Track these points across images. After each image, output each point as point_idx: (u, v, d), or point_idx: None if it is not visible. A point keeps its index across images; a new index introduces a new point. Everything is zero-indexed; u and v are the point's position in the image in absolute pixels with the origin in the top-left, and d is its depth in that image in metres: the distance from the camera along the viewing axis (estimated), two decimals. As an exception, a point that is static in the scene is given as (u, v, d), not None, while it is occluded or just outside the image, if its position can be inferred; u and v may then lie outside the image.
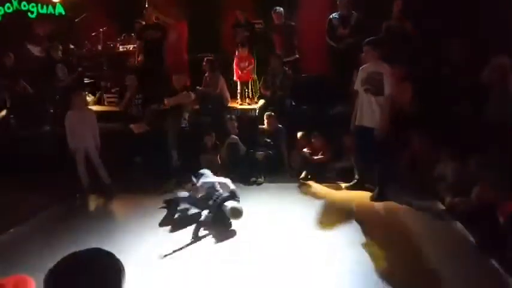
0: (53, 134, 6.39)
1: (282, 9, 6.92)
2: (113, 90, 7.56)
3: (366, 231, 4.14)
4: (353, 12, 6.43)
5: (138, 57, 7.16)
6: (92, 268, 1.11)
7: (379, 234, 4.07)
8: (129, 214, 4.96)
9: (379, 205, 4.76)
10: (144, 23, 7.15)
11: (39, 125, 6.72)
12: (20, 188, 5.49)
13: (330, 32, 6.57)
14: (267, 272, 3.40)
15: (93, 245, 1.25)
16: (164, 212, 4.69)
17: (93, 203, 5.41)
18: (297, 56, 7.03)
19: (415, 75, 5.67)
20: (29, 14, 8.07)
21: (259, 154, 5.78)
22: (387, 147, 4.73)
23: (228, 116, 6.27)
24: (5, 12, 7.98)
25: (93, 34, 7.93)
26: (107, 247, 1.20)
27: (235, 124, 6.09)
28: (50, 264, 1.13)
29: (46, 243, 3.97)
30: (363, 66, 4.92)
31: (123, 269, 1.16)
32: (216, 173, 5.15)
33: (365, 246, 3.82)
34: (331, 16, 6.56)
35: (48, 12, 8.13)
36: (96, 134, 5.59)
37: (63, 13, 8.12)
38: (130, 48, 7.73)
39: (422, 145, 5.18)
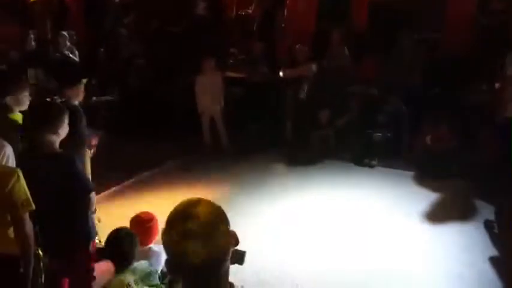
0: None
1: None
2: (239, 57, 7.85)
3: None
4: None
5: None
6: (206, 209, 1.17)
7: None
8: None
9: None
10: None
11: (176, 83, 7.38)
12: (152, 139, 6.22)
13: (481, 6, 5.71)
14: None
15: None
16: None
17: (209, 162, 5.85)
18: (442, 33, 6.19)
19: None
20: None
21: (377, 135, 5.45)
22: None
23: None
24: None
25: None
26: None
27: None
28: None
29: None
30: None
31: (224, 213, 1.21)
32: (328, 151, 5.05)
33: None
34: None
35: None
36: (221, 97, 5.94)
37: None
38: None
39: None
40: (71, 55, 7.46)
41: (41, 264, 2.28)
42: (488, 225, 3.93)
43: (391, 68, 6.09)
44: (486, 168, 4.62)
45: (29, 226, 2.13)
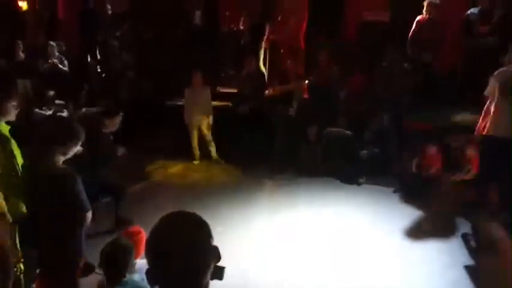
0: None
1: (437, 1, 6.09)
2: (231, 72, 7.94)
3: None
4: (496, 8, 5.65)
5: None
6: (188, 223, 1.21)
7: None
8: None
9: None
10: None
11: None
12: (143, 150, 6.21)
13: (465, 29, 5.90)
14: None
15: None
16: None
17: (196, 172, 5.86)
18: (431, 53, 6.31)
19: None
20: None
21: (363, 153, 5.54)
22: None
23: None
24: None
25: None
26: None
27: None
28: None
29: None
30: (500, 70, 4.22)
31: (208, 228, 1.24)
32: (316, 166, 5.11)
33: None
34: (468, 12, 5.88)
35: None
36: (210, 112, 5.99)
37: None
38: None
39: None
40: (59, 65, 7.46)
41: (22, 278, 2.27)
42: (465, 239, 4.02)
43: (379, 85, 6.23)
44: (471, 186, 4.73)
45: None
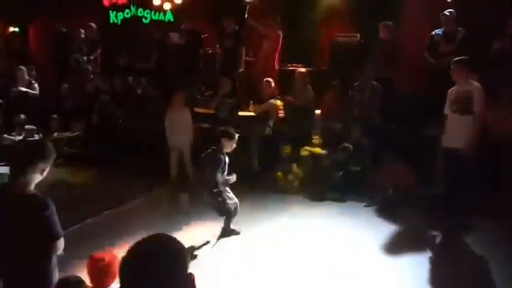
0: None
1: (391, 23, 6.57)
2: (206, 94, 7.98)
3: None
4: (459, 28, 5.96)
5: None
6: (161, 250, 1.20)
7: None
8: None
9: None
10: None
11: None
12: (118, 175, 6.08)
13: (430, 49, 6.18)
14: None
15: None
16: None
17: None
18: (394, 73, 6.59)
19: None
20: (143, 19, 8.96)
21: (339, 175, 5.60)
22: (473, 171, 4.47)
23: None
24: (124, 17, 8.98)
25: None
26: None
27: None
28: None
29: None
30: (451, 89, 4.81)
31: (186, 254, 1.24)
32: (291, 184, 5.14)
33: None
34: (433, 32, 6.16)
35: (160, 19, 8.93)
36: (191, 132, 5.98)
37: (172, 20, 8.84)
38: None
39: None
40: (29, 90, 7.33)
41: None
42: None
43: (351, 103, 6.40)
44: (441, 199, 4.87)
45: None
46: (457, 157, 4.50)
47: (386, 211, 5.04)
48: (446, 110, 4.81)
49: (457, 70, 4.65)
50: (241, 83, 7.30)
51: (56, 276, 2.40)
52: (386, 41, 6.55)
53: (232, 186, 4.36)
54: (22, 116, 6.97)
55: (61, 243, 2.32)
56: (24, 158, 2.30)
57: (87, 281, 2.45)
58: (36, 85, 7.46)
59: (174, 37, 7.84)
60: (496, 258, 3.87)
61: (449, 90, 4.82)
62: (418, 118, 6.06)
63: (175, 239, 1.27)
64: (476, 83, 4.62)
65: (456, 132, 4.60)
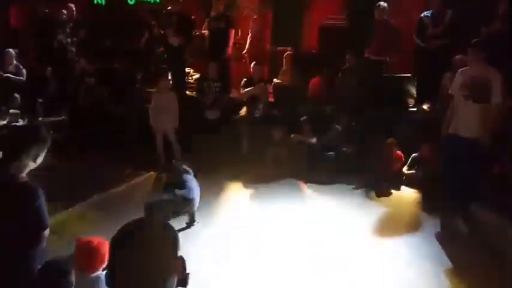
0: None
1: (386, 4, 6.36)
2: (193, 77, 7.89)
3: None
4: (448, 10, 5.94)
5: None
6: (149, 233, 1.19)
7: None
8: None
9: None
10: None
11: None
12: (105, 160, 6.01)
13: (419, 31, 6.16)
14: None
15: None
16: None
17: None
18: (388, 57, 6.50)
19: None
20: (128, 0, 8.75)
21: (330, 154, 5.63)
22: (483, 162, 4.27)
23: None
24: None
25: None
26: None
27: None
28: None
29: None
30: (463, 68, 4.38)
31: (177, 237, 1.22)
32: (281, 168, 5.14)
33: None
34: (422, 14, 6.14)
35: (145, 0, 8.73)
36: (176, 116, 5.87)
37: (158, 1, 8.65)
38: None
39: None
40: (12, 76, 7.14)
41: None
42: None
43: (340, 87, 6.39)
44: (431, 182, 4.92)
45: None
46: (466, 146, 4.17)
47: (375, 193, 5.10)
48: (454, 90, 4.36)
49: (474, 52, 4.19)
50: (229, 66, 7.20)
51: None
52: (379, 22, 6.42)
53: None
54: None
55: (46, 233, 2.26)
56: (17, 143, 2.21)
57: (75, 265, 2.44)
58: (24, 70, 7.27)
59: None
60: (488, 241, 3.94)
61: (461, 70, 4.36)
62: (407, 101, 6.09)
63: (167, 222, 1.27)
64: (495, 70, 4.11)
65: (466, 120, 4.20)
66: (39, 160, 2.25)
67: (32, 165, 2.22)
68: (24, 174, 2.20)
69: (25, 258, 2.23)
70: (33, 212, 2.14)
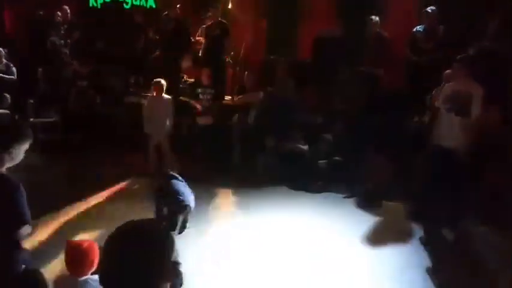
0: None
1: (377, 18, 6.52)
2: (188, 82, 7.87)
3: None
4: (440, 25, 6.07)
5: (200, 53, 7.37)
6: (144, 236, 1.18)
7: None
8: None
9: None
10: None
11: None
12: (93, 162, 5.96)
13: (412, 45, 6.27)
14: None
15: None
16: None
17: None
18: (380, 69, 6.56)
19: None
20: (124, 4, 8.73)
21: (322, 163, 5.65)
22: (466, 173, 4.35)
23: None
24: (104, 1, 8.72)
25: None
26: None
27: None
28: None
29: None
30: (449, 83, 4.59)
31: (173, 241, 1.22)
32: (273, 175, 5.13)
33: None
34: (414, 29, 6.26)
35: (141, 4, 8.72)
36: (171, 121, 5.84)
37: (154, 6, 8.65)
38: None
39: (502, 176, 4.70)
40: (2, 75, 7.06)
41: None
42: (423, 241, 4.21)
43: (333, 97, 6.44)
44: (420, 193, 4.96)
45: None
46: (447, 156, 4.31)
47: (366, 203, 5.12)
48: (440, 104, 4.56)
49: (459, 67, 4.40)
50: (225, 73, 7.21)
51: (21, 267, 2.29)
52: (371, 35, 6.53)
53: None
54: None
55: (27, 230, 2.23)
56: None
57: (65, 267, 2.40)
58: (14, 69, 7.20)
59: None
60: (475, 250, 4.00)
61: (447, 85, 4.61)
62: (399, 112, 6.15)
63: (161, 225, 1.27)
64: (477, 85, 4.27)
65: (448, 131, 4.37)
66: (15, 156, 2.23)
67: (8, 159, 2.19)
68: (3, 169, 2.18)
69: (4, 256, 2.19)
70: (12, 203, 2.11)
